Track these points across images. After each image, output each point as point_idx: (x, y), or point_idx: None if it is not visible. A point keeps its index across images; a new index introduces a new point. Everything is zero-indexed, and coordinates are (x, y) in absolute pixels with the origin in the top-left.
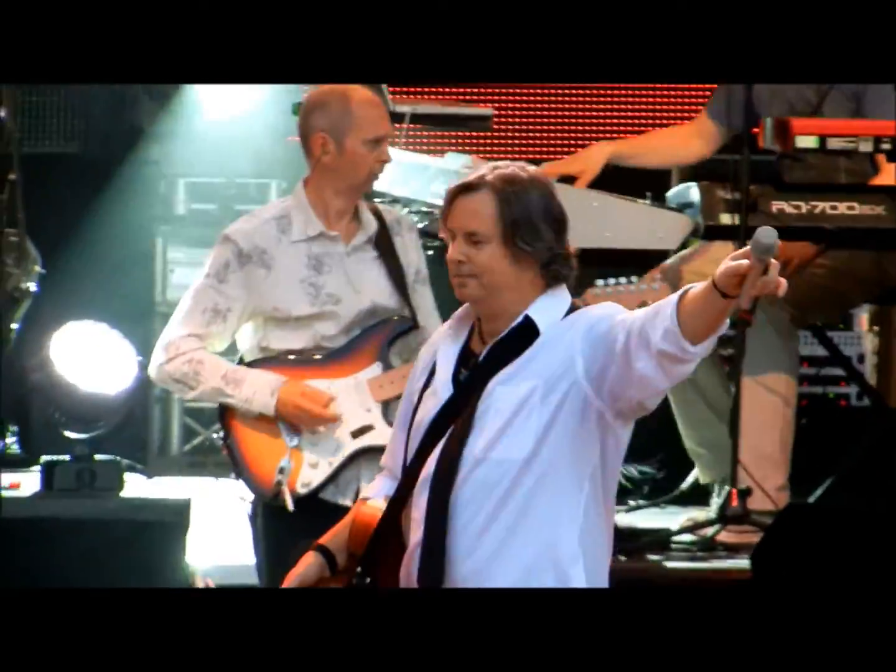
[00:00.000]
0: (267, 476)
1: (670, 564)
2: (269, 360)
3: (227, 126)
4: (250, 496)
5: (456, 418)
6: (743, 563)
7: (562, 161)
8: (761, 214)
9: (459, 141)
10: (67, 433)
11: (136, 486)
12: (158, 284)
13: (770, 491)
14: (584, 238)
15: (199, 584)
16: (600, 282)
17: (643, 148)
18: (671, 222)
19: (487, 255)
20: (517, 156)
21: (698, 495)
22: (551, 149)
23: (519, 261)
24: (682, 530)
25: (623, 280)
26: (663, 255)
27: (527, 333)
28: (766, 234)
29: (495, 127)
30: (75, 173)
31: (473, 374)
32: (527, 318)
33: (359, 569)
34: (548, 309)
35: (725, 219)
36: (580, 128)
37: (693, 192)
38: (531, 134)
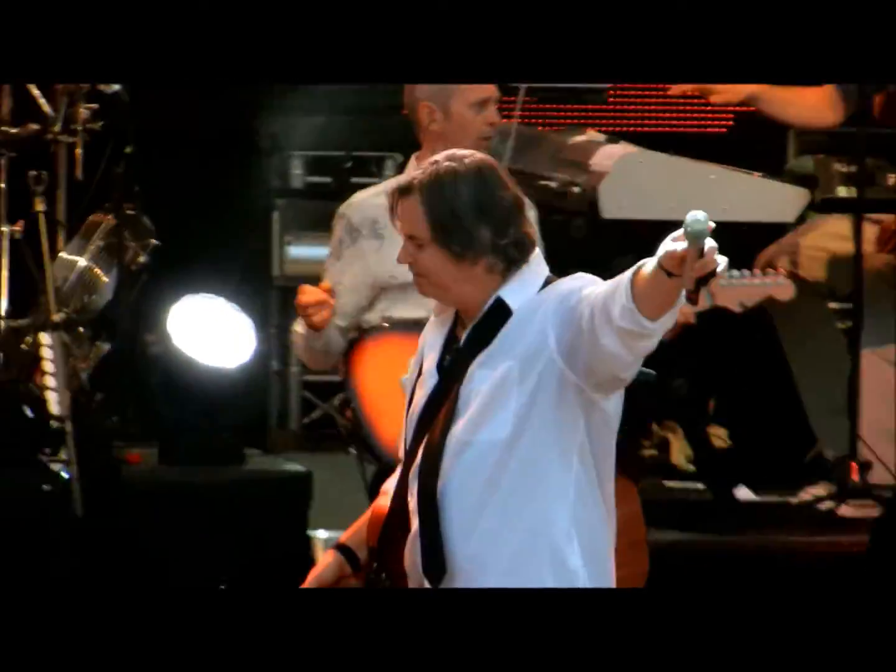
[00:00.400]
0: (394, 441)
1: (790, 538)
2: (383, 327)
3: (344, 99)
4: (369, 463)
5: (441, 406)
6: (863, 537)
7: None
8: (878, 187)
9: (575, 114)
10: (186, 407)
11: (255, 459)
12: (275, 258)
13: (891, 465)
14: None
15: (321, 555)
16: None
17: (780, 97)
18: (788, 195)
19: (428, 257)
20: (633, 128)
21: (818, 469)
22: (667, 120)
23: (461, 258)
24: (802, 504)
25: (747, 272)
26: (780, 228)
27: (500, 314)
28: (694, 219)
29: (610, 99)
30: (192, 146)
31: (455, 359)
32: (498, 298)
33: (375, 564)
34: (520, 286)
35: (842, 192)
36: (697, 99)
37: (809, 164)
38: (647, 106)
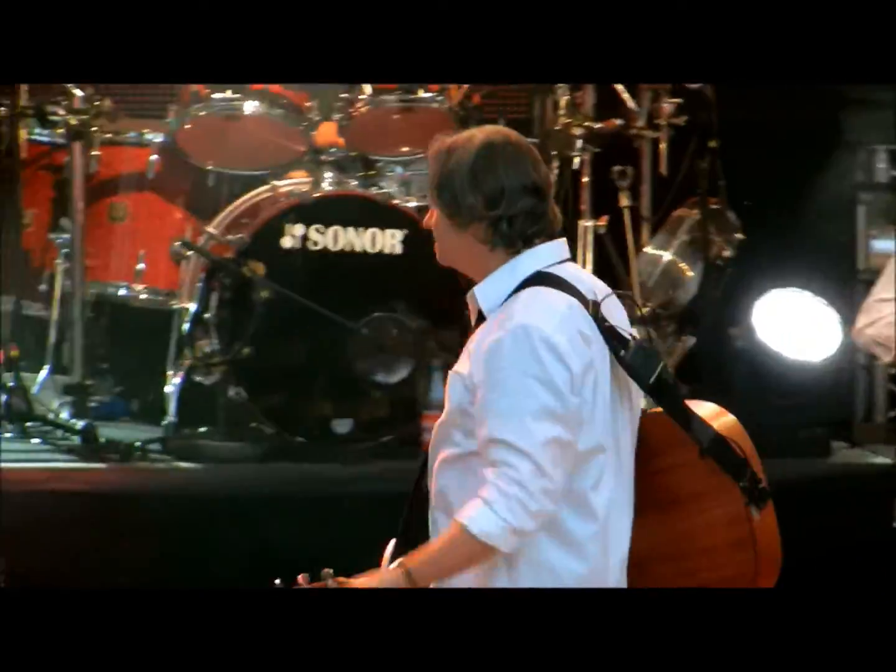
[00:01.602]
0: None
1: None
2: None
3: None
4: None
5: None
6: None
7: None
8: None
9: None
10: (772, 401)
11: (842, 452)
12: (860, 252)
13: None
14: None
15: None
16: None
17: None
18: None
19: (434, 218)
20: None
21: None
22: None
23: (451, 219)
24: None
25: None
26: None
27: (480, 314)
28: None
29: None
30: (776, 139)
31: None
32: (473, 296)
33: None
34: (492, 286)
35: None
36: None
37: None
38: None
